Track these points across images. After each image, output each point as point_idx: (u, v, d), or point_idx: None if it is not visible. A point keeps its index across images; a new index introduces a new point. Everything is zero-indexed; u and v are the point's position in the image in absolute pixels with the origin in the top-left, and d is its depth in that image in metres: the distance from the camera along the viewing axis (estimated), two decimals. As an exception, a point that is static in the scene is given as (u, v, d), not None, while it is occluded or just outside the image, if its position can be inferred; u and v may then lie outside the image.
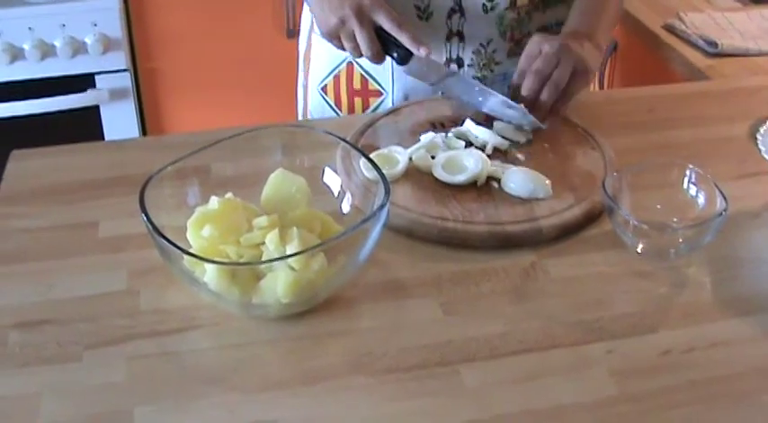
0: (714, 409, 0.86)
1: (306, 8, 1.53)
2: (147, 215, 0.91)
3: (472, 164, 1.14)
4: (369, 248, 0.95)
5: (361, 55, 1.30)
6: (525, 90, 1.25)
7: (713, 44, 1.87)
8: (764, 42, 1.90)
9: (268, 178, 1.04)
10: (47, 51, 2.44)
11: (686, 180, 1.09)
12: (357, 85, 1.48)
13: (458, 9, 1.38)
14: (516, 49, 1.42)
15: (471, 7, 1.38)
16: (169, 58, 2.65)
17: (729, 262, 1.06)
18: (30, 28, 2.42)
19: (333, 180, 1.09)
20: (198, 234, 0.96)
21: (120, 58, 2.53)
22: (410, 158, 1.17)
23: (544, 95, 1.25)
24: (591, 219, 1.11)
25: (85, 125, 2.55)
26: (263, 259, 0.94)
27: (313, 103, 1.56)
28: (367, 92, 1.47)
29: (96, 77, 2.52)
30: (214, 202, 0.99)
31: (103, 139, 2.55)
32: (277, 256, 0.93)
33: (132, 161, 1.23)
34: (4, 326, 0.95)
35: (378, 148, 1.21)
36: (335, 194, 1.08)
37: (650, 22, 2.06)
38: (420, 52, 1.25)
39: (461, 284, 1.01)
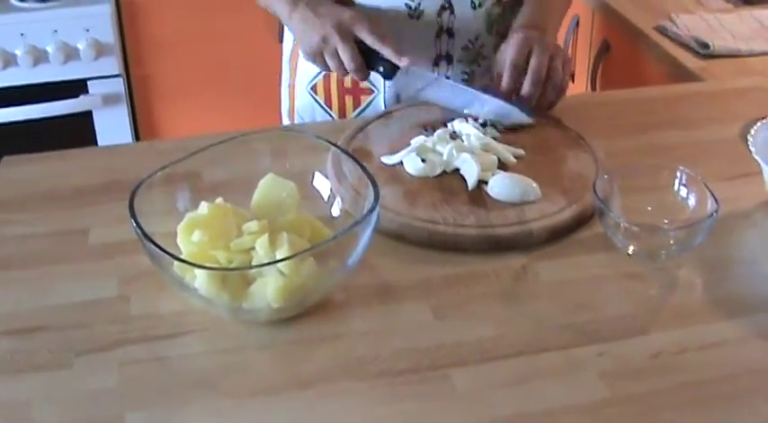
0: (705, 411, 0.85)
1: None
2: (136, 221, 0.91)
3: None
4: (359, 252, 0.94)
5: (345, 73, 1.32)
6: (528, 88, 1.29)
7: (705, 45, 1.87)
8: (756, 43, 1.90)
9: (258, 183, 1.04)
10: (39, 57, 2.44)
11: (677, 182, 1.09)
12: (348, 83, 1.49)
13: (448, 6, 1.41)
14: (501, 42, 1.44)
15: (460, 4, 1.41)
16: (162, 64, 2.65)
17: (720, 263, 1.06)
18: (22, 34, 2.42)
19: (323, 184, 1.09)
20: (188, 239, 0.96)
21: (112, 64, 2.53)
22: (401, 162, 1.18)
23: (548, 95, 1.31)
24: (582, 221, 1.10)
25: (78, 131, 2.55)
26: (253, 264, 0.94)
27: (301, 103, 1.56)
28: (358, 90, 1.48)
29: (89, 83, 2.53)
30: (204, 207, 0.99)
31: (96, 144, 2.55)
32: (267, 260, 0.93)
33: (124, 167, 1.23)
34: (-5, 333, 0.95)
35: (369, 152, 1.21)
36: (326, 199, 1.07)
37: (641, 24, 2.06)
38: (402, 62, 1.28)
39: (452, 288, 1.01)
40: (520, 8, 1.46)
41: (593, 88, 2.28)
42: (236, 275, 0.93)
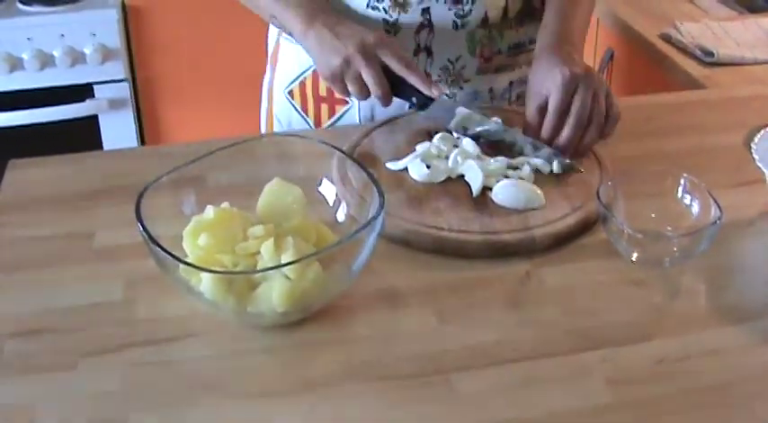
0: (708, 418, 0.86)
1: None
2: (142, 224, 0.92)
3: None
4: (364, 258, 0.95)
5: (367, 97, 1.24)
6: (569, 133, 1.19)
7: (709, 53, 1.88)
8: (760, 51, 1.91)
9: (264, 187, 1.05)
10: (46, 61, 2.45)
11: (681, 189, 1.09)
12: (323, 91, 1.45)
13: (427, 24, 1.35)
14: (486, 66, 1.40)
15: (441, 24, 1.35)
16: (167, 68, 2.66)
17: (724, 270, 1.06)
18: (28, 38, 2.43)
19: (328, 189, 1.09)
20: (194, 243, 0.96)
21: (118, 68, 2.54)
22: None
23: (589, 136, 1.21)
24: (585, 227, 1.11)
25: (84, 134, 2.56)
26: (258, 268, 0.95)
27: (279, 105, 1.53)
28: (333, 100, 1.44)
29: (95, 87, 2.53)
30: (210, 211, 0.99)
31: (102, 148, 2.56)
32: (272, 265, 0.93)
33: (130, 171, 1.24)
34: (1, 335, 0.95)
35: (374, 158, 1.22)
36: (331, 203, 1.08)
37: (646, 32, 2.06)
38: (432, 93, 1.21)
39: (456, 293, 1.01)
40: (509, 32, 1.40)
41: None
42: (242, 279, 0.93)
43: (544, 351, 0.93)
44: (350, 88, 1.24)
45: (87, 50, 2.47)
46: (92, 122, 2.57)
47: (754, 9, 2.20)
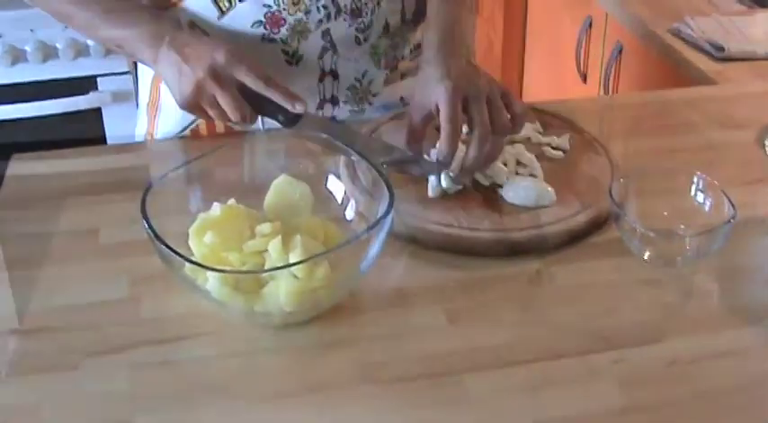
0: (721, 421, 0.85)
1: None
2: (148, 222, 0.90)
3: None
4: (373, 256, 0.93)
5: (230, 120, 1.14)
6: (475, 151, 1.09)
7: (720, 48, 1.86)
8: (771, 46, 1.89)
9: (271, 184, 1.03)
10: (49, 53, 2.43)
11: (693, 186, 1.07)
12: (220, 128, 1.33)
13: (329, 46, 1.28)
14: (392, 75, 1.35)
15: (343, 42, 1.28)
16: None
17: (737, 269, 1.05)
18: (31, 30, 2.41)
19: (336, 186, 1.07)
20: (200, 241, 0.95)
21: (122, 60, 2.52)
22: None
23: (494, 149, 1.11)
24: (597, 225, 1.09)
25: (87, 127, 2.54)
26: (265, 267, 0.93)
27: None
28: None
29: (98, 80, 2.51)
30: (216, 208, 0.98)
31: (105, 141, 2.54)
32: (280, 263, 0.92)
33: (134, 165, 1.23)
34: (3, 333, 0.94)
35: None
36: (339, 201, 1.06)
37: (656, 26, 2.05)
38: (296, 108, 1.10)
39: (466, 292, 1.00)
40: (410, 35, 1.35)
41: (606, 91, 2.27)
42: (249, 278, 0.92)
43: (555, 352, 0.91)
44: (210, 113, 1.14)
45: (91, 42, 2.46)
46: (95, 115, 2.55)
47: (764, 3, 2.19)
